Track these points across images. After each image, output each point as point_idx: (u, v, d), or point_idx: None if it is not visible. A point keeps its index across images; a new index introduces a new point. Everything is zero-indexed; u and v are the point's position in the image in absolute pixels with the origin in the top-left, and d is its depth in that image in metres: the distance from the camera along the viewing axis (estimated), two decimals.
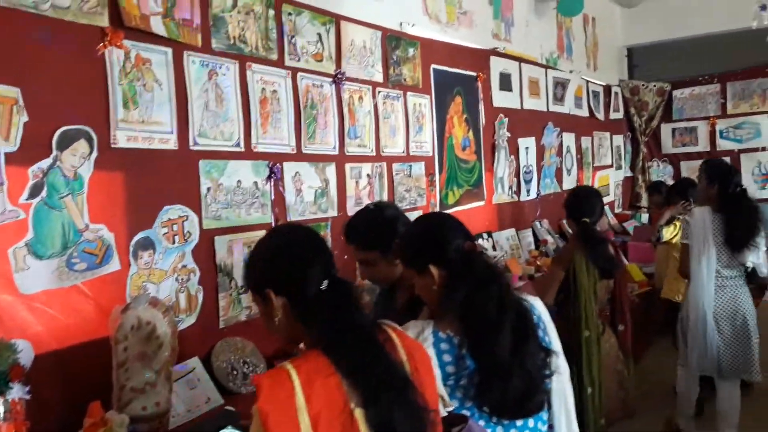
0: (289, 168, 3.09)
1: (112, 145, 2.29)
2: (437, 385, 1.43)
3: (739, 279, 3.53)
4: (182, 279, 2.57)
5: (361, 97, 3.58)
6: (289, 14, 3.11)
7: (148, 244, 2.43)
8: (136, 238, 2.39)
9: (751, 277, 3.55)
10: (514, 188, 5.40)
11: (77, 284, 2.18)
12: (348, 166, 3.48)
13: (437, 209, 4.27)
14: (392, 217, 2.01)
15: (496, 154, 5.10)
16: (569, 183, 6.27)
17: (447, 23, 4.53)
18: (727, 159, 6.32)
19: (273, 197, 2.99)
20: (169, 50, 2.52)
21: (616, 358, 3.05)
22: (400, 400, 1.23)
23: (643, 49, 8.15)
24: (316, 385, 1.18)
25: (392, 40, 3.85)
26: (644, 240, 5.75)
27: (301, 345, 1.39)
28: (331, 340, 1.25)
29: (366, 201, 3.54)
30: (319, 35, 3.29)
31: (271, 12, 3.00)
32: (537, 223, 5.65)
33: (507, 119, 5.20)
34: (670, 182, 6.64)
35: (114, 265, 2.30)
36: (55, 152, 2.11)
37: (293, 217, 3.10)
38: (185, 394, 2.39)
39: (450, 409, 1.48)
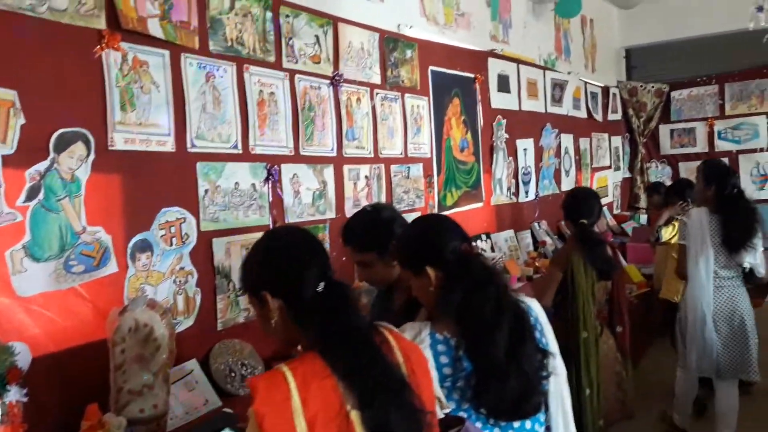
0: (287, 170, 3.09)
1: (110, 148, 2.29)
2: (434, 386, 1.43)
3: (737, 280, 3.53)
4: (180, 281, 2.57)
5: (359, 99, 3.59)
6: (287, 16, 3.11)
7: (145, 246, 2.43)
8: (133, 241, 2.39)
9: (749, 277, 3.55)
10: (513, 189, 5.40)
11: (75, 286, 2.18)
12: (346, 167, 3.48)
13: (435, 211, 4.27)
14: (389, 219, 2.01)
15: (495, 155, 5.10)
16: (568, 184, 6.27)
17: (445, 25, 4.53)
18: (726, 160, 6.32)
19: (271, 199, 2.99)
20: (167, 52, 2.52)
21: (614, 360, 3.05)
22: (396, 402, 1.23)
23: (641, 50, 8.15)
24: (312, 387, 1.18)
25: (390, 42, 3.86)
26: (643, 241, 5.75)
27: (299, 347, 1.39)
28: (327, 343, 1.25)
29: (364, 203, 3.54)
30: (317, 37, 3.30)
31: (269, 14, 3.00)
32: (536, 224, 5.66)
33: (505, 120, 5.21)
34: (669, 183, 6.64)
35: (111, 267, 2.30)
36: (52, 155, 2.11)
37: (291, 218, 3.10)
38: (183, 397, 2.39)
39: (447, 410, 1.48)
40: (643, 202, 7.75)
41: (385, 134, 3.81)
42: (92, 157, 2.23)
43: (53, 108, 2.13)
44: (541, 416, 1.64)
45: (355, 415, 1.19)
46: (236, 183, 2.83)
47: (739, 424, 3.60)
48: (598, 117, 7.20)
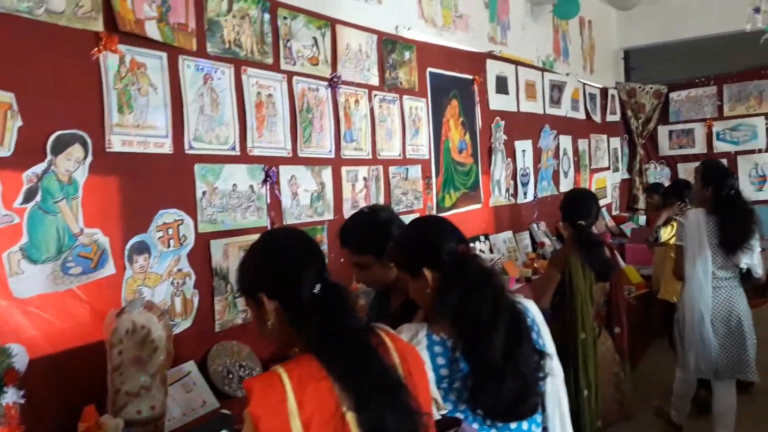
0: (285, 171, 3.09)
1: (107, 150, 2.29)
2: (431, 388, 1.43)
3: (734, 280, 3.53)
4: (178, 283, 2.57)
5: (357, 101, 3.59)
6: (285, 18, 3.11)
7: (143, 248, 2.43)
8: (131, 242, 2.39)
9: (746, 277, 3.55)
10: (511, 191, 5.41)
11: (72, 288, 2.18)
12: (344, 169, 3.48)
13: (434, 212, 4.28)
14: (386, 221, 2.01)
15: (493, 156, 5.11)
16: (566, 185, 6.28)
17: (443, 26, 4.54)
18: (724, 161, 6.33)
19: (269, 201, 2.99)
20: (164, 54, 2.53)
21: (612, 361, 3.05)
22: (392, 404, 1.23)
23: (640, 51, 8.17)
24: (308, 389, 1.18)
25: (388, 44, 3.86)
26: (642, 242, 5.75)
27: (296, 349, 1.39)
28: (323, 344, 1.25)
29: (362, 204, 3.54)
30: (315, 39, 3.30)
31: (267, 16, 3.01)
32: (534, 225, 5.66)
33: (503, 122, 5.21)
34: (668, 184, 6.64)
35: (109, 269, 2.30)
36: (49, 157, 2.11)
37: (289, 220, 3.10)
38: (181, 398, 2.39)
39: (444, 412, 1.48)
40: (641, 203, 7.75)
41: (384, 136, 3.81)
42: (90, 159, 2.23)
43: (51, 110, 2.13)
44: (538, 417, 1.64)
45: (350, 417, 1.19)
46: (234, 185, 2.83)
47: (739, 423, 3.60)
48: (597, 118, 7.20)
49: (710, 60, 7.61)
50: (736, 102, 7.55)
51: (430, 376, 1.47)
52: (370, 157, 3.70)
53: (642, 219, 7.35)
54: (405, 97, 4.01)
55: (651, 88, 7.83)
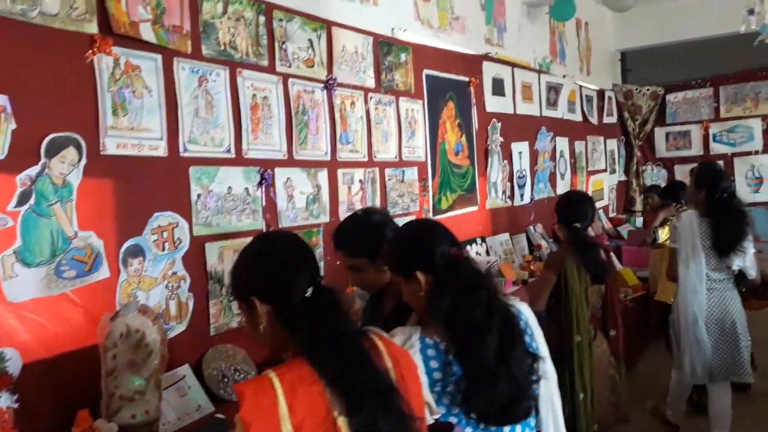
0: (280, 174, 3.09)
1: (101, 152, 2.29)
2: (424, 392, 1.43)
3: (728, 282, 3.54)
4: (172, 286, 2.56)
5: (353, 103, 3.59)
6: (280, 20, 3.11)
7: (137, 252, 2.43)
8: (125, 246, 2.38)
9: (740, 279, 3.56)
10: (508, 193, 5.41)
11: (66, 292, 2.17)
12: (340, 171, 3.48)
13: (430, 214, 4.27)
14: (380, 223, 2.01)
15: (490, 158, 5.11)
16: (563, 187, 6.28)
17: (439, 28, 4.54)
18: (721, 163, 6.33)
19: (264, 203, 2.99)
20: (159, 57, 2.52)
21: (608, 363, 3.05)
22: (384, 408, 1.22)
23: (636, 53, 8.18)
24: (299, 393, 1.17)
25: (384, 46, 3.86)
26: (638, 244, 5.76)
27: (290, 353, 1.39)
28: (315, 348, 1.25)
29: (358, 207, 3.54)
30: (310, 41, 3.30)
31: (262, 18, 3.01)
32: (531, 227, 5.67)
33: (500, 124, 5.21)
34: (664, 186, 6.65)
35: (103, 272, 2.30)
36: (43, 159, 2.11)
37: (285, 223, 3.10)
38: (175, 402, 2.38)
39: (437, 416, 1.47)
40: (638, 205, 7.75)
41: (380, 138, 3.81)
42: (84, 162, 2.23)
43: (45, 113, 2.13)
44: (532, 421, 1.64)
45: (342, 421, 1.18)
46: (229, 187, 2.82)
47: (737, 424, 3.61)
48: (594, 120, 7.21)
49: (707, 62, 7.63)
50: (733, 104, 7.56)
51: (423, 379, 1.47)
52: (366, 159, 3.69)
53: (639, 221, 7.36)
54: (401, 99, 4.01)
55: (648, 89, 7.84)
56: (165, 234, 2.53)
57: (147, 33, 2.45)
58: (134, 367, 2.08)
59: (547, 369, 1.68)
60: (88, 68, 2.27)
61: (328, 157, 3.40)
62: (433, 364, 1.53)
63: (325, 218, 3.34)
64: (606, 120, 7.58)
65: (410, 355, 1.44)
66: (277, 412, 1.15)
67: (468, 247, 4.58)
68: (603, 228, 6.63)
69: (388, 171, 3.88)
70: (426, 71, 4.29)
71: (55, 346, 2.12)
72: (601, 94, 7.46)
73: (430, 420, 1.42)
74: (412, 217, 3.94)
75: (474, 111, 4.88)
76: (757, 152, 7.43)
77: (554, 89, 6.21)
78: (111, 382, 2.05)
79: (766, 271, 3.84)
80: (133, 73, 2.42)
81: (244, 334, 2.74)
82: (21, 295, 2.03)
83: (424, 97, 4.27)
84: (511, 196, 5.45)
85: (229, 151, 2.83)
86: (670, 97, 7.89)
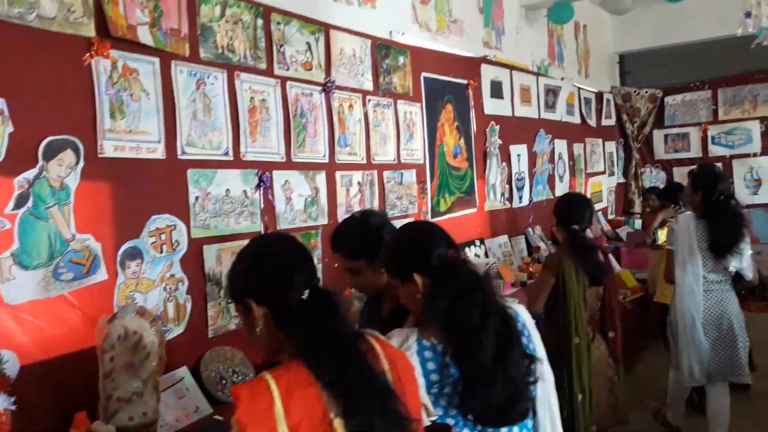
0: (278, 176, 3.09)
1: (99, 155, 2.29)
2: (421, 393, 1.43)
3: (725, 283, 3.54)
4: (170, 288, 2.57)
5: (351, 106, 3.59)
6: (278, 23, 3.12)
7: (135, 254, 2.43)
8: (123, 248, 2.39)
9: (738, 280, 3.56)
10: (507, 195, 5.41)
11: (64, 294, 2.17)
12: (338, 174, 3.48)
13: (429, 217, 4.28)
14: (377, 226, 2.01)
15: (488, 161, 5.11)
16: (562, 189, 6.28)
17: (437, 31, 4.55)
18: (720, 165, 6.34)
19: (262, 206, 2.99)
20: (157, 60, 2.53)
21: (606, 365, 3.05)
22: (381, 410, 1.22)
23: (635, 55, 8.19)
24: (296, 395, 1.17)
25: (382, 49, 3.87)
26: (637, 246, 5.76)
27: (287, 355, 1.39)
28: (312, 350, 1.25)
29: (357, 209, 3.54)
30: (309, 44, 3.30)
31: (260, 21, 3.01)
32: (530, 229, 5.67)
33: (498, 126, 5.22)
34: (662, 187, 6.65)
35: (101, 274, 2.30)
36: (41, 162, 2.11)
37: (283, 225, 3.10)
38: (173, 404, 2.38)
39: (434, 418, 1.47)
40: (637, 207, 7.76)
41: (378, 140, 3.81)
42: (81, 164, 2.23)
43: (42, 116, 2.13)
44: (529, 422, 1.64)
45: (338, 423, 1.18)
46: (227, 190, 2.83)
47: (736, 424, 3.62)
48: (592, 122, 7.22)
49: (705, 64, 7.63)
50: (731, 106, 7.57)
51: (420, 381, 1.47)
52: (365, 161, 3.70)
53: (638, 223, 7.36)
54: (399, 101, 4.02)
55: (646, 92, 7.86)
56: (163, 236, 2.54)
57: (144, 36, 2.46)
58: (132, 369, 2.08)
59: (544, 370, 1.68)
60: (86, 71, 2.27)
61: (326, 160, 3.40)
62: (430, 365, 1.53)
63: (323, 220, 3.34)
64: (604, 122, 7.59)
65: (407, 357, 1.45)
66: (273, 414, 1.15)
67: (467, 249, 4.59)
68: (602, 230, 6.63)
69: (386, 173, 3.88)
70: (424, 74, 4.30)
71: (52, 348, 2.12)
72: (599, 96, 7.47)
73: (427, 422, 1.42)
74: (411, 220, 3.95)
75: (472, 113, 4.89)
76: (755, 154, 7.44)
77: (552, 92, 6.22)
78: (109, 384, 2.05)
79: (765, 273, 3.85)
80: (130, 76, 2.42)
81: (242, 336, 2.72)
82: (18, 297, 2.04)
83: (423, 99, 4.27)
84: (510, 198, 5.46)
85: (227, 153, 2.83)
86: (668, 100, 7.90)
